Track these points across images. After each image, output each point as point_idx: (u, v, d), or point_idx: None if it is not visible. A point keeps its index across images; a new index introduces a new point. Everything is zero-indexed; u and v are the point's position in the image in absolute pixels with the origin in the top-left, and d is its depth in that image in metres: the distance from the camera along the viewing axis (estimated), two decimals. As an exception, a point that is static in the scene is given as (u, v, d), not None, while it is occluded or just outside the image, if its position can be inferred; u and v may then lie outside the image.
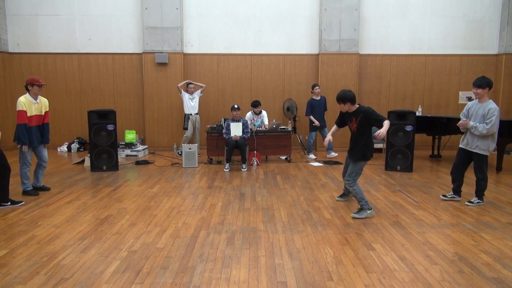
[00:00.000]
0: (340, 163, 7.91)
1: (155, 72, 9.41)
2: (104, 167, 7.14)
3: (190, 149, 7.57)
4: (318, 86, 8.62)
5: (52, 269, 3.19)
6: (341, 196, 5.30)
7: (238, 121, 7.47)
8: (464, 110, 5.01)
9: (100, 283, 2.96)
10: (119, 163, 7.38)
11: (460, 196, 5.20)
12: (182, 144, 8.00)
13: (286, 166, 7.75)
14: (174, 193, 5.65)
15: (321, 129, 8.62)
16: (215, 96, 9.74)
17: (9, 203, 4.90)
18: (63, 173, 6.96)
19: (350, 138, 4.72)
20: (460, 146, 5.05)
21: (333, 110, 8.67)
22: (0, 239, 3.83)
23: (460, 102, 9.81)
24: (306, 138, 9.63)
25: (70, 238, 3.87)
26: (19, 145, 5.29)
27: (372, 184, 6.19)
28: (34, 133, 5.42)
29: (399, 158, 7.13)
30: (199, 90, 8.86)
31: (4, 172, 4.85)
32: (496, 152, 7.11)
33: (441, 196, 5.32)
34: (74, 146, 9.49)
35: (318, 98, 8.58)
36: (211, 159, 8.02)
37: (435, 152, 8.74)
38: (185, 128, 8.76)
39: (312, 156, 8.64)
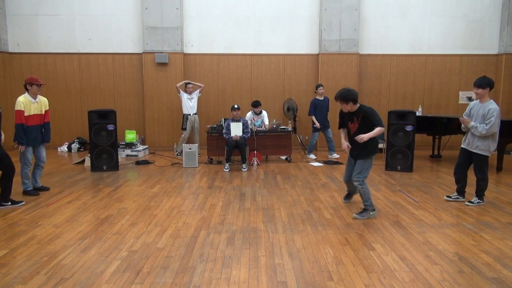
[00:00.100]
0: (341, 163, 7.91)
1: (155, 72, 9.41)
2: (104, 167, 7.14)
3: (190, 149, 7.57)
4: (322, 86, 8.58)
5: (52, 269, 3.19)
6: (347, 198, 5.16)
7: (238, 121, 7.47)
8: (467, 110, 5.01)
9: (100, 283, 2.96)
10: (119, 163, 7.38)
11: (464, 197, 5.19)
12: (182, 145, 8.00)
13: (286, 166, 7.75)
14: (174, 193, 5.65)
15: (325, 129, 8.58)
16: (215, 96, 9.74)
17: (10, 203, 4.90)
18: (63, 173, 6.96)
19: (350, 140, 4.60)
20: (462, 146, 5.05)
21: (335, 110, 8.65)
22: (0, 239, 3.83)
23: (460, 102, 9.81)
24: (306, 138, 9.64)
25: (70, 238, 3.87)
26: (18, 145, 5.29)
27: (372, 184, 6.18)
28: (33, 133, 5.42)
29: (399, 158, 7.13)
30: (198, 90, 8.85)
31: (8, 172, 4.87)
32: (496, 152, 7.11)
33: (445, 197, 5.30)
34: (74, 146, 9.49)
35: (322, 98, 8.56)
36: (211, 159, 8.02)
37: (435, 152, 8.74)
38: (184, 129, 8.75)
39: (312, 156, 8.64)
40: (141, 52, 9.49)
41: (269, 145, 8.04)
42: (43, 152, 5.70)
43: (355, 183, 4.52)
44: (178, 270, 3.17)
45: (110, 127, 7.10)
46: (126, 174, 6.99)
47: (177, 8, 9.23)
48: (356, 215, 4.51)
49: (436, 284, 2.95)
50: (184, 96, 8.67)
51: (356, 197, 5.18)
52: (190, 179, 6.53)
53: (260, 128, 8.09)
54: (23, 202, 5.03)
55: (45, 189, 5.74)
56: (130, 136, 8.91)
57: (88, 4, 9.41)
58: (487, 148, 4.80)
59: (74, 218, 4.48)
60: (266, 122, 8.23)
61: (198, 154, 7.85)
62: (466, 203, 5.05)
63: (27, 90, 5.42)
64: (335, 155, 8.59)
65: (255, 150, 7.79)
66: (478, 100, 4.87)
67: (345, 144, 4.66)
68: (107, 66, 9.64)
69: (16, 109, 5.27)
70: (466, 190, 5.21)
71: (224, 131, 7.46)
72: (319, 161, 8.18)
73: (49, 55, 9.55)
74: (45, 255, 3.46)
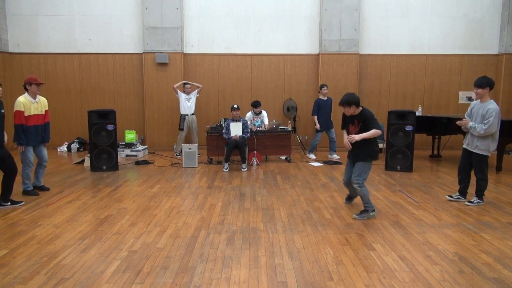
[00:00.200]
0: (341, 163, 7.91)
1: (155, 72, 9.41)
2: (104, 167, 7.14)
3: (190, 149, 7.57)
4: (326, 86, 8.54)
5: (52, 269, 3.19)
6: (348, 200, 5.16)
7: (238, 121, 7.47)
8: (468, 110, 5.03)
9: (100, 283, 2.96)
10: (119, 163, 7.37)
11: (465, 197, 5.19)
12: (181, 145, 8.00)
13: (286, 166, 7.75)
14: (174, 193, 5.65)
15: (328, 130, 8.56)
16: (215, 96, 9.74)
17: (9, 203, 4.90)
18: (63, 173, 6.96)
19: (351, 143, 4.57)
20: (463, 146, 5.06)
21: (339, 110, 8.65)
22: (0, 239, 3.83)
23: (460, 102, 9.81)
24: (306, 138, 9.64)
25: (70, 238, 3.87)
26: (18, 145, 5.30)
27: (372, 184, 6.18)
28: (33, 133, 5.42)
29: (399, 158, 7.13)
30: (196, 90, 8.84)
31: (10, 172, 4.89)
32: (496, 152, 7.11)
33: (446, 197, 5.30)
34: (74, 146, 9.49)
35: (325, 98, 8.55)
36: (211, 159, 8.02)
37: (435, 152, 8.74)
38: (181, 129, 8.74)
39: (312, 156, 8.64)
40: (141, 52, 9.49)
41: (268, 145, 8.04)
42: (45, 152, 5.72)
43: (354, 185, 4.54)
44: (178, 270, 3.17)
45: (110, 127, 7.10)
46: (125, 174, 6.99)
47: (177, 8, 9.23)
48: (355, 216, 4.52)
49: (436, 284, 2.95)
50: (182, 96, 8.65)
51: (357, 198, 5.17)
52: (189, 179, 6.53)
53: (260, 128, 8.09)
54: (23, 202, 5.03)
55: (45, 189, 5.74)
56: (130, 136, 8.91)
57: (88, 4, 9.41)
58: (487, 148, 4.80)
59: (74, 218, 4.48)
60: (266, 122, 8.23)
61: (198, 154, 7.84)
62: (466, 203, 5.05)
63: (26, 90, 5.42)
64: (335, 156, 8.58)
65: (254, 150, 7.79)
66: (479, 100, 4.88)
67: (346, 139, 4.64)
68: (107, 66, 9.64)
69: (15, 109, 5.27)
70: (468, 191, 5.21)
71: (223, 131, 7.45)
72: (319, 161, 8.18)
73: (49, 55, 9.55)
74: (45, 255, 3.46)
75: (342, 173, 6.47)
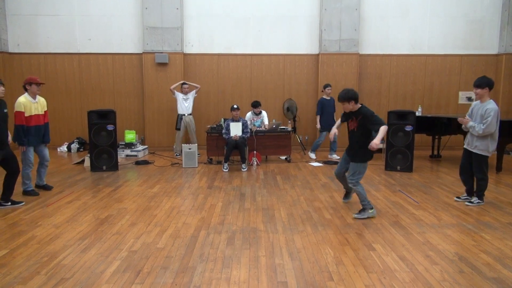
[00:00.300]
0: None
1: (155, 72, 9.41)
2: (104, 167, 7.14)
3: (190, 149, 7.57)
4: (330, 86, 8.53)
5: (52, 269, 3.19)
6: (345, 197, 5.21)
7: (237, 121, 7.47)
8: (469, 111, 5.05)
9: (100, 283, 2.96)
10: (119, 163, 7.37)
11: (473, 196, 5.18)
12: (181, 144, 7.99)
13: (286, 166, 7.75)
14: (174, 193, 5.65)
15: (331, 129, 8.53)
16: (215, 96, 9.74)
17: (10, 203, 4.90)
18: (63, 173, 6.96)
19: (348, 137, 4.69)
20: (464, 146, 5.07)
21: (340, 111, 8.59)
22: (0, 239, 3.83)
23: (460, 102, 9.81)
24: (306, 138, 9.64)
25: (70, 238, 3.87)
26: (19, 145, 5.30)
27: (372, 184, 6.19)
28: (34, 133, 5.43)
29: (399, 158, 7.13)
30: (194, 90, 8.84)
31: (13, 172, 4.91)
32: (496, 152, 7.11)
33: (455, 198, 5.26)
34: (74, 146, 9.49)
35: (329, 98, 8.54)
36: (211, 159, 8.02)
37: (435, 152, 8.74)
38: (178, 129, 8.74)
39: (313, 155, 8.63)
40: (141, 52, 9.48)
41: (268, 145, 8.04)
42: (46, 152, 5.73)
43: (349, 185, 4.63)
44: (178, 270, 3.17)
45: (110, 127, 7.10)
46: (125, 174, 6.99)
47: (177, 8, 9.22)
48: (355, 215, 4.53)
49: (436, 284, 2.95)
50: (180, 96, 8.65)
51: (356, 197, 5.17)
52: (189, 179, 6.53)
53: (260, 128, 8.09)
54: (23, 203, 5.03)
55: (48, 188, 5.77)
56: (130, 136, 8.91)
57: (88, 4, 9.41)
58: (486, 148, 4.80)
59: (74, 218, 4.48)
60: (266, 122, 8.23)
61: (198, 154, 7.84)
62: (466, 203, 5.05)
63: (26, 90, 5.43)
64: (335, 156, 8.57)
65: (254, 150, 7.79)
66: (479, 101, 4.88)
67: (334, 131, 4.90)
68: (107, 66, 9.64)
69: (16, 110, 5.28)
70: (464, 190, 5.21)
71: (223, 131, 7.45)
72: (319, 161, 8.18)
73: (49, 55, 9.54)
74: (45, 255, 3.46)
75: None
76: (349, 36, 9.35)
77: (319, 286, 2.93)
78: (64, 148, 9.54)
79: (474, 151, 4.88)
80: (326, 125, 8.43)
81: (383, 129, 4.29)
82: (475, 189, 5.13)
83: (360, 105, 4.52)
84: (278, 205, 5.04)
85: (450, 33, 9.58)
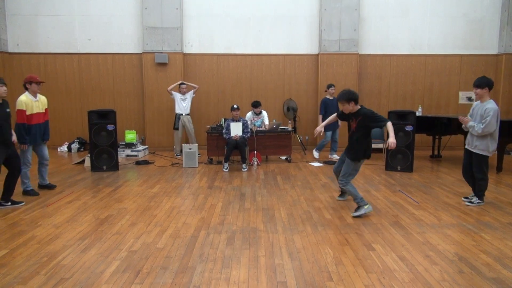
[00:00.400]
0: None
1: (155, 72, 9.41)
2: (104, 167, 7.14)
3: (190, 149, 7.57)
4: (334, 86, 8.49)
5: (52, 269, 3.19)
6: (340, 195, 5.30)
7: (238, 121, 7.47)
8: (470, 111, 5.05)
9: (100, 283, 2.96)
10: (119, 163, 7.37)
11: None
12: (181, 144, 7.99)
13: (286, 166, 7.75)
14: (174, 193, 5.65)
15: (333, 130, 8.51)
16: (215, 96, 9.74)
17: (10, 203, 4.91)
18: (64, 173, 6.96)
19: (348, 136, 4.69)
20: (465, 146, 5.07)
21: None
22: (0, 239, 3.83)
23: (460, 102, 9.81)
24: (306, 138, 9.64)
25: (70, 238, 3.87)
26: (19, 144, 5.31)
27: (372, 184, 6.19)
28: (35, 131, 5.45)
29: (399, 158, 7.14)
30: (192, 91, 8.83)
31: (15, 172, 4.92)
32: (496, 152, 7.10)
33: (462, 199, 5.22)
34: (74, 146, 9.49)
35: (332, 98, 8.52)
36: (211, 159, 8.02)
37: (435, 152, 8.74)
38: (176, 128, 8.74)
39: (316, 154, 8.60)
40: (141, 52, 9.49)
41: (269, 145, 8.04)
42: (46, 151, 5.74)
43: (340, 185, 4.70)
44: (178, 270, 3.17)
45: (110, 127, 7.10)
46: (126, 174, 6.99)
47: (177, 8, 9.23)
48: (353, 214, 4.55)
49: (436, 284, 2.95)
50: (177, 96, 8.65)
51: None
52: (190, 179, 6.53)
53: (260, 128, 8.09)
54: (23, 203, 5.03)
55: (52, 187, 5.79)
56: (130, 136, 8.91)
57: (88, 4, 9.41)
58: (486, 148, 4.80)
59: (74, 218, 4.48)
60: (266, 122, 8.23)
61: (198, 154, 7.84)
62: (466, 203, 5.05)
63: (26, 89, 5.45)
64: (336, 156, 8.57)
65: (255, 150, 7.79)
66: (480, 101, 4.89)
67: (320, 128, 4.92)
68: (107, 66, 9.64)
69: (17, 108, 5.29)
70: (464, 190, 5.20)
71: (224, 131, 7.45)
72: (319, 161, 8.18)
73: (49, 55, 9.55)
74: (45, 255, 3.46)
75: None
76: (349, 36, 9.35)
77: (319, 286, 2.93)
78: (64, 148, 9.54)
79: (474, 151, 4.88)
80: (330, 125, 8.40)
81: (390, 125, 4.34)
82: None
83: (360, 106, 4.51)
84: (278, 205, 5.04)
85: (450, 33, 9.58)
